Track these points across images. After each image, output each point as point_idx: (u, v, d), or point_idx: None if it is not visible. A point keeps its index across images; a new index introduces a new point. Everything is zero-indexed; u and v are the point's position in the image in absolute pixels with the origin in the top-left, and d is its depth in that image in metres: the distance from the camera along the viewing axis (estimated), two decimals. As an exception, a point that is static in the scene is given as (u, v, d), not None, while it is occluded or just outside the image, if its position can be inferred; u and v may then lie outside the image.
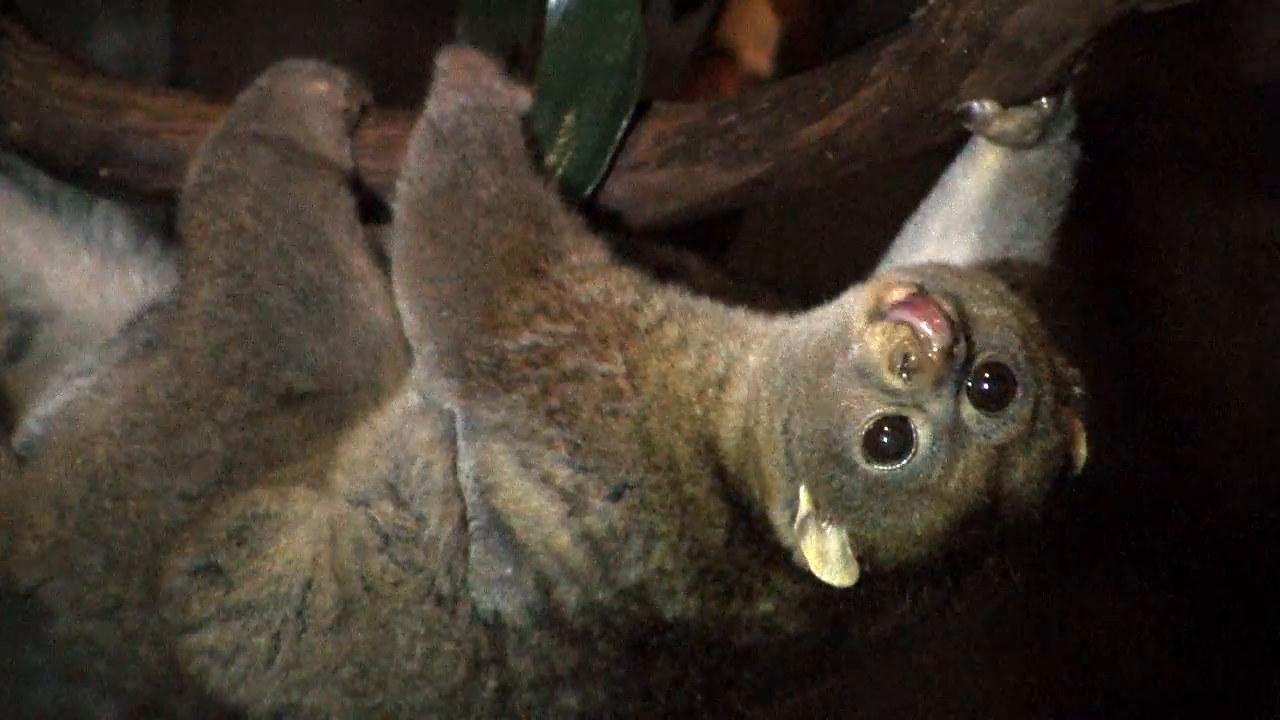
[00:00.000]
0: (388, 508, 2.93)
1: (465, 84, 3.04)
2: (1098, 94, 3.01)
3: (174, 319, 3.01)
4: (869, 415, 2.68)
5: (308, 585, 2.94)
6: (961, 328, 2.68)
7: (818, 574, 2.72)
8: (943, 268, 2.86)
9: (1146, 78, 4.79)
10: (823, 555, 2.71)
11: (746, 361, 2.84)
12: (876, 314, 2.71)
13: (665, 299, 2.90)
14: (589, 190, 3.02)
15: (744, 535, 2.80)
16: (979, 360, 2.69)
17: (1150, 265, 4.91)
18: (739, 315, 2.92)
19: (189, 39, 4.51)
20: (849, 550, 2.71)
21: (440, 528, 2.90)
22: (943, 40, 2.84)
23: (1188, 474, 4.81)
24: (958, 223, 3.03)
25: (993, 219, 3.02)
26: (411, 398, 2.96)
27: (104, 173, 3.17)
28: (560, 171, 3.03)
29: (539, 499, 2.83)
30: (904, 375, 2.66)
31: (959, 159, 3.03)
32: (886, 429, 2.68)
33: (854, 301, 2.75)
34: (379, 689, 2.93)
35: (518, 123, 3.02)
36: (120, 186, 3.18)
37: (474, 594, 2.89)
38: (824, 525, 2.71)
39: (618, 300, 2.88)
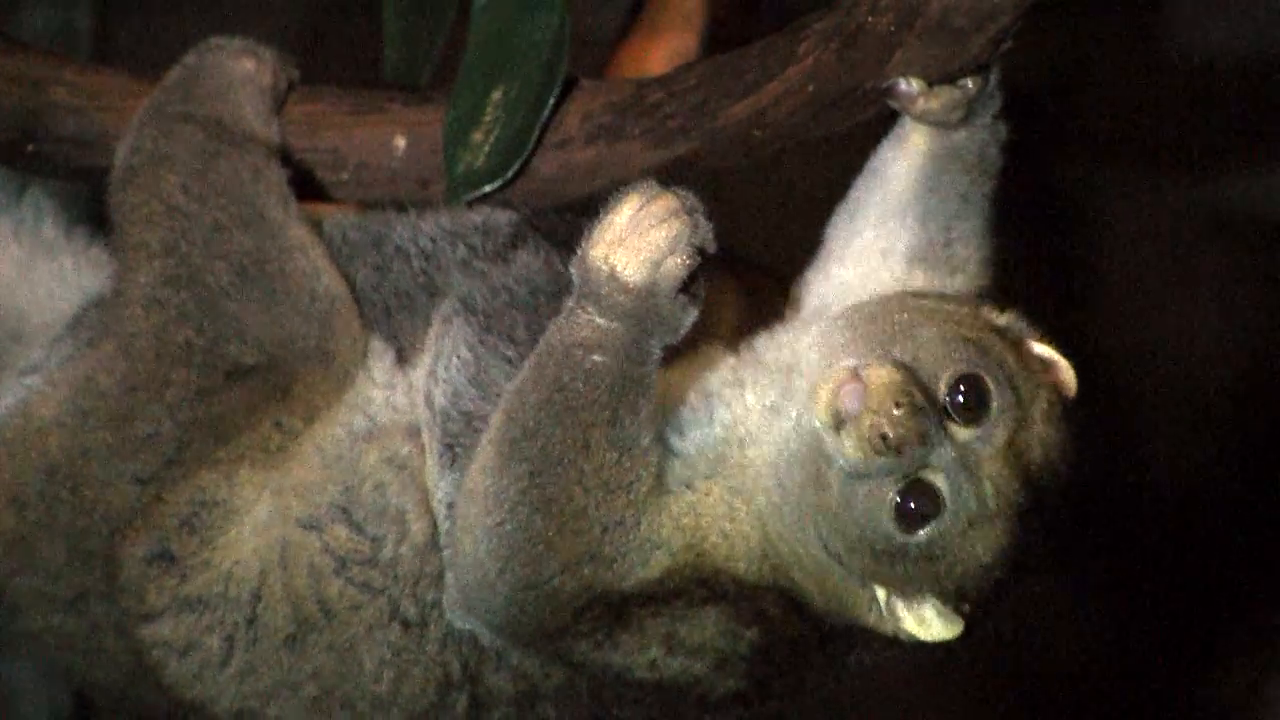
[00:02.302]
0: (341, 531, 2.93)
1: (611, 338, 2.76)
2: (1032, 75, 3.01)
3: (115, 305, 3.00)
4: (888, 501, 2.72)
5: (256, 597, 2.95)
6: (914, 382, 2.71)
7: (928, 639, 2.78)
8: (857, 311, 2.86)
9: (1080, 58, 4.80)
10: (923, 623, 2.77)
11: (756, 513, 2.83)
12: (838, 421, 2.73)
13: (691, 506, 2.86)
14: (515, 167, 3.02)
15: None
16: (945, 382, 2.73)
17: (1084, 244, 4.93)
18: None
19: (114, 14, 4.48)
20: (943, 609, 2.76)
21: (398, 550, 2.91)
22: (870, 18, 2.85)
23: (1123, 451, 4.83)
24: (894, 208, 3.04)
25: (929, 201, 3.03)
26: (357, 420, 2.97)
27: (30, 149, 3.15)
28: (487, 149, 3.02)
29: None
30: (894, 452, 2.70)
31: (886, 142, 3.04)
32: (911, 500, 2.72)
33: (805, 413, 2.76)
34: (344, 710, 2.95)
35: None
36: (46, 163, 3.17)
37: (449, 616, 2.90)
38: (910, 603, 2.77)
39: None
